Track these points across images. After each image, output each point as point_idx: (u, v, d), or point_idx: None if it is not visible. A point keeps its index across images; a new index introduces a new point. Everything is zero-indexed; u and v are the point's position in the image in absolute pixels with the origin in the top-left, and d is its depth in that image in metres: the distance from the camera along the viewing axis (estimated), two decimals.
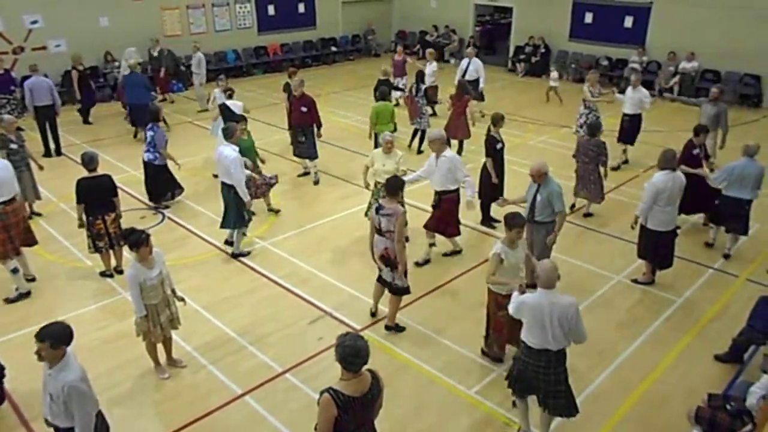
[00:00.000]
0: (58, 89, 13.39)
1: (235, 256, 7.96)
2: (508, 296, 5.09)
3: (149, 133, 9.11)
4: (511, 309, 4.68)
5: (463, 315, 6.77)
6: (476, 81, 13.45)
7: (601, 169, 8.64)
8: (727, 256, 7.94)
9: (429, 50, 14.40)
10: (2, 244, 6.81)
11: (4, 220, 6.81)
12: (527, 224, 6.05)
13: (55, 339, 3.83)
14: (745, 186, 7.54)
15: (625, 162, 11.27)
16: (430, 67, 13.50)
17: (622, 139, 11.14)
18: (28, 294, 7.09)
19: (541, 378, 4.59)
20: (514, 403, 5.17)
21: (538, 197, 6.55)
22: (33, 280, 7.33)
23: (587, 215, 9.12)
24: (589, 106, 11.12)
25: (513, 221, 5.36)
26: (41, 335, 3.83)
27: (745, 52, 14.96)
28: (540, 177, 6.55)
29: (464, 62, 13.72)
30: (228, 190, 7.60)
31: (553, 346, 4.48)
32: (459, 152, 10.96)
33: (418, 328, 6.54)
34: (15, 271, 6.97)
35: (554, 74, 15.49)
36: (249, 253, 8.03)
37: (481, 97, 13.78)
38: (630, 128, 10.97)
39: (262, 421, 5.26)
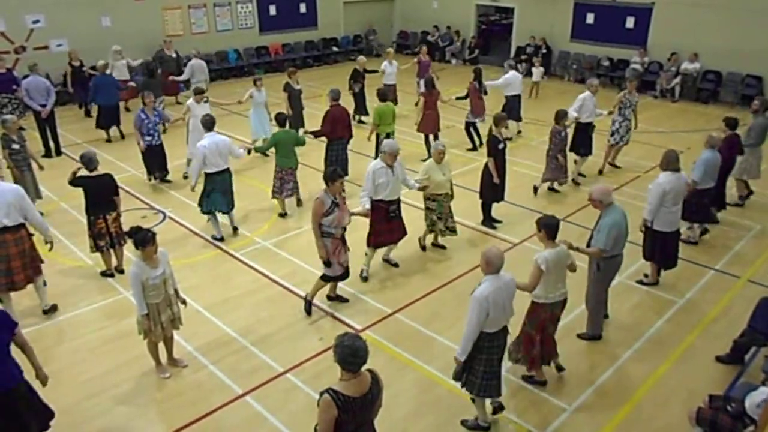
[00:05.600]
0: (59, 89, 13.43)
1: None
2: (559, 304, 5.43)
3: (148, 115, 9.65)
4: (477, 309, 4.59)
5: (464, 315, 6.68)
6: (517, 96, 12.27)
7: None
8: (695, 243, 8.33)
9: (388, 49, 14.23)
10: None
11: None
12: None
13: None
14: (713, 176, 7.96)
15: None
16: (390, 67, 13.45)
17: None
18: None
19: (503, 353, 4.98)
20: (473, 400, 5.07)
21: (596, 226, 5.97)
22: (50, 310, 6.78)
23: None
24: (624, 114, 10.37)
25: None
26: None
27: (746, 53, 14.94)
28: (596, 205, 5.93)
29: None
30: (228, 174, 8.30)
31: (506, 321, 4.88)
32: (428, 147, 11.02)
33: (418, 328, 6.53)
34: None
35: (540, 70, 15.85)
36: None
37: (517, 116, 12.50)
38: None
39: (263, 421, 5.27)
